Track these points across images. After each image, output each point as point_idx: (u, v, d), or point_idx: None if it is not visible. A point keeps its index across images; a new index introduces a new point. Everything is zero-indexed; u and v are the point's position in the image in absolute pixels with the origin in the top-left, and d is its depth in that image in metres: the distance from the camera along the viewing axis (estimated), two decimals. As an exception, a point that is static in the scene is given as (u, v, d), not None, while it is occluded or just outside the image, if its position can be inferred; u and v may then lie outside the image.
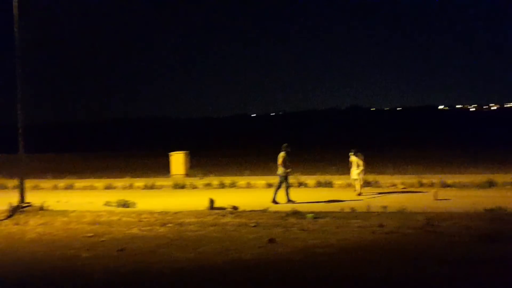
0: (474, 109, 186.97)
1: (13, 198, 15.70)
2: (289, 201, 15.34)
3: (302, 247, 9.15)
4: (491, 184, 17.39)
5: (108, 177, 24.84)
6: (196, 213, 13.27)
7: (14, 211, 14.27)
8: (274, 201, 15.30)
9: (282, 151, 16.09)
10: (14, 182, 23.49)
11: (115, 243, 10.02)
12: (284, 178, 15.76)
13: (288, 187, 15.77)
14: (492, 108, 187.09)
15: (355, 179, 17.01)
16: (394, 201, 14.34)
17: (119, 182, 22.77)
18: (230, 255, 8.75)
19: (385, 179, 19.59)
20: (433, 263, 7.74)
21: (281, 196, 15.59)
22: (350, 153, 17.39)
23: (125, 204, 15.42)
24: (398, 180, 19.40)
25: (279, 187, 15.72)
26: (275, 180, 20.72)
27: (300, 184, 19.71)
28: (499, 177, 18.08)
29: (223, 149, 43.99)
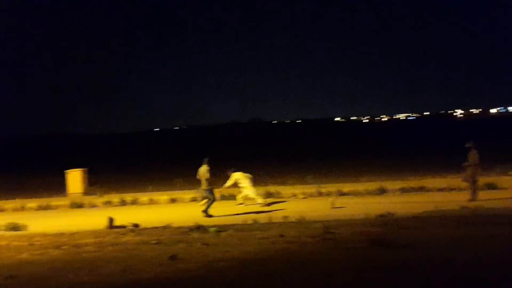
0: (367, 120, 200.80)
1: None
2: (207, 215, 15.25)
3: (204, 262, 9.10)
4: (382, 191, 18.58)
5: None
6: (95, 233, 12.72)
7: None
8: (208, 215, 15.29)
9: (204, 165, 15.96)
10: None
11: (4, 270, 9.28)
12: (210, 192, 15.60)
13: (212, 201, 15.64)
14: (382, 119, 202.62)
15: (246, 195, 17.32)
16: (294, 211, 14.79)
17: (8, 204, 21.25)
18: (129, 275, 8.47)
19: (286, 190, 20.19)
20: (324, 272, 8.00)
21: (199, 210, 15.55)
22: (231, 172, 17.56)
23: (15, 228, 14.41)
24: (298, 190, 20.08)
25: (211, 200, 15.65)
26: (178, 195, 20.62)
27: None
28: (389, 184, 19.38)
29: (125, 165, 42.73)
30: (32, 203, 21.12)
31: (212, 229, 12.07)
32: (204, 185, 15.78)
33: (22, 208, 20.57)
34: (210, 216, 15.25)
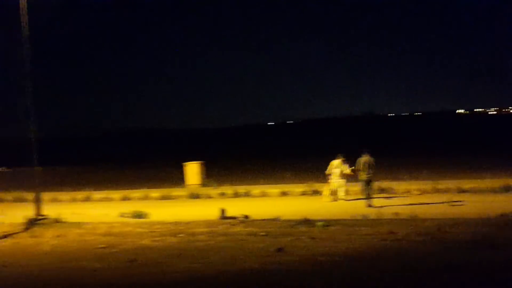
0: (494, 112, 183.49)
1: (30, 211, 16.03)
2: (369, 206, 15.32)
3: (309, 255, 9.16)
4: (507, 189, 17.16)
5: (125, 189, 25.15)
6: (208, 223, 13.36)
7: (31, 223, 14.56)
8: (370, 205, 15.40)
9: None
10: (33, 195, 24.00)
11: (126, 254, 10.15)
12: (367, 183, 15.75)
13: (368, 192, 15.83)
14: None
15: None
16: (406, 208, 14.25)
17: (135, 193, 23.06)
18: (237, 265, 8.82)
19: (400, 186, 19.47)
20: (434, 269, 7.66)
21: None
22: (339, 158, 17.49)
23: (139, 215, 15.62)
24: (412, 186, 19.26)
25: (370, 190, 15.77)
26: (289, 189, 20.87)
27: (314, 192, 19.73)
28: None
29: (237, 158, 44.14)
30: (154, 193, 22.72)
31: (319, 223, 12.08)
32: (363, 176, 15.77)
33: (146, 198, 22.22)
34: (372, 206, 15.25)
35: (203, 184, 24.56)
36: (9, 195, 25.75)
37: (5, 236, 13.09)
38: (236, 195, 20.95)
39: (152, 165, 40.61)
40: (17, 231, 13.75)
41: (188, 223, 13.44)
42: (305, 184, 20.93)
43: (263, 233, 11.54)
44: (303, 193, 19.86)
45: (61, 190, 25.43)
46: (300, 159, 38.58)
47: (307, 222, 12.43)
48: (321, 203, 17.17)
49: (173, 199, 21.59)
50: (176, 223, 13.56)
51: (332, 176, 17.24)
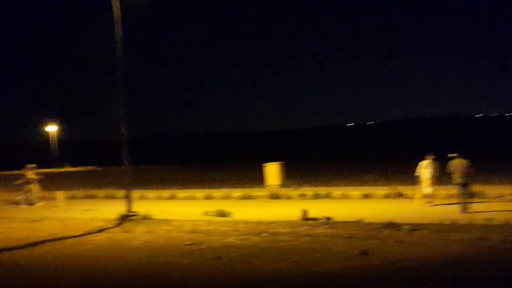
0: None
1: (121, 207, 16.95)
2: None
3: (395, 260, 8.92)
4: None
5: (208, 188, 25.88)
6: (290, 224, 13.41)
7: (122, 219, 15.40)
8: (465, 210, 14.72)
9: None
10: (122, 192, 25.36)
11: (211, 252, 10.44)
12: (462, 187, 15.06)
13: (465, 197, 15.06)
14: None
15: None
16: (499, 214, 13.45)
17: (217, 193, 23.64)
18: (321, 266, 8.77)
19: (492, 190, 18.40)
20: None
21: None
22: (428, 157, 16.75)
23: (222, 214, 16.00)
24: (507, 190, 18.12)
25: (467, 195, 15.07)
26: (371, 191, 20.43)
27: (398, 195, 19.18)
28: None
29: (317, 159, 43.88)
30: (236, 192, 23.16)
31: (406, 227, 11.71)
32: (457, 179, 15.06)
33: (228, 197, 22.71)
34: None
35: (283, 185, 24.67)
36: (100, 192, 27.42)
37: (100, 231, 13.95)
38: (317, 196, 20.84)
39: (233, 165, 41.41)
40: (110, 226, 14.60)
41: (270, 223, 13.56)
42: (388, 187, 20.41)
43: (347, 236, 11.39)
44: (386, 196, 19.36)
45: (148, 188, 26.64)
46: (383, 160, 37.66)
47: (392, 225, 12.11)
48: (407, 206, 16.64)
49: (254, 199, 21.88)
50: (258, 223, 13.73)
51: (421, 178, 16.58)
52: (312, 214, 14.55)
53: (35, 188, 24.00)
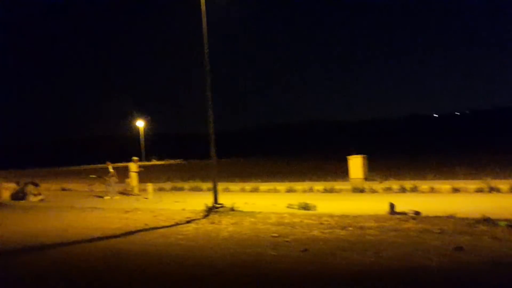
0: None
1: (207, 199, 17.49)
2: None
3: (493, 256, 8.47)
4: None
5: (289, 181, 26.01)
6: (376, 217, 13.15)
7: (209, 211, 15.88)
8: None
9: None
10: (207, 185, 26.15)
11: (298, 244, 10.50)
12: None
13: None
14: None
15: None
16: None
17: (299, 186, 23.70)
18: (412, 261, 8.53)
19: None
20: None
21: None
22: None
23: (306, 207, 16.02)
24: None
25: None
26: (462, 185, 19.51)
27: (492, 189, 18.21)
28: None
29: (402, 151, 42.58)
30: (318, 185, 23.09)
31: (502, 223, 11.08)
32: None
33: (310, 190, 22.70)
34: None
35: (367, 178, 24.25)
36: (186, 185, 28.48)
37: (188, 221, 14.49)
38: (403, 190, 20.27)
39: (316, 157, 41.26)
40: (198, 218, 15.12)
41: (356, 216, 13.38)
42: (480, 181, 19.40)
43: (437, 231, 10.97)
44: (478, 190, 18.43)
45: (232, 181, 27.26)
46: (473, 153, 35.82)
47: (488, 221, 11.50)
48: (503, 201, 15.75)
49: (337, 192, 21.69)
50: (343, 216, 13.60)
51: None
52: (399, 208, 14.17)
53: (132, 179, 25.82)
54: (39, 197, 25.45)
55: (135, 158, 27.05)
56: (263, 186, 25.11)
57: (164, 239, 11.85)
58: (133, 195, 25.07)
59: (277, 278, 8.03)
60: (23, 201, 24.80)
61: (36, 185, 26.80)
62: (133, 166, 26.17)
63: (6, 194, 26.12)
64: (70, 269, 9.46)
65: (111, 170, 25.09)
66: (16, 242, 12.43)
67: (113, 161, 27.45)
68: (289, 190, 23.23)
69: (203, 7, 16.52)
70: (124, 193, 25.89)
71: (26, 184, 26.83)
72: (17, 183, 27.81)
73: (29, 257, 10.81)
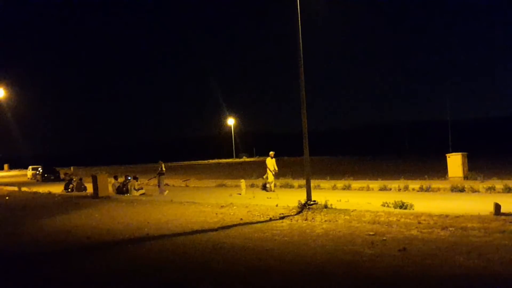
0: None
1: (299, 196, 17.58)
2: None
3: None
4: None
5: (383, 179, 25.40)
6: (479, 218, 12.49)
7: (302, 208, 15.95)
8: None
9: None
10: (298, 182, 26.27)
11: (395, 243, 10.25)
12: None
13: None
14: None
15: None
16: None
17: (393, 184, 23.08)
18: (524, 266, 8.01)
19: None
20: None
21: None
22: None
23: (402, 206, 15.58)
24: None
25: None
26: None
27: None
28: None
29: (503, 150, 39.91)
30: (414, 184, 22.33)
31: None
32: None
33: (405, 188, 22.01)
34: None
35: (466, 177, 23.06)
36: (277, 182, 28.76)
37: (282, 217, 14.68)
38: (508, 190, 19.04)
39: (413, 156, 39.94)
40: (291, 214, 15.26)
41: (457, 217, 12.79)
42: None
43: (550, 234, 10.20)
44: None
45: (323, 179, 27.16)
46: None
47: None
48: None
49: (434, 191, 20.86)
50: (443, 216, 13.05)
51: None
52: (505, 209, 13.34)
53: (269, 176, 24.17)
54: (141, 191, 27.05)
55: (271, 152, 24.49)
56: (355, 184, 24.74)
57: (260, 234, 12.11)
58: (271, 191, 23.96)
59: (376, 278, 7.92)
60: (126, 195, 26.50)
61: (136, 179, 28.57)
62: (269, 163, 24.15)
63: (112, 189, 28.06)
64: (179, 258, 9.97)
65: (163, 168, 26.84)
66: (122, 234, 13.32)
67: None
68: (383, 189, 22.70)
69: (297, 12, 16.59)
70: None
71: (128, 178, 28.74)
72: (115, 177, 30.08)
73: (138, 247, 11.55)
